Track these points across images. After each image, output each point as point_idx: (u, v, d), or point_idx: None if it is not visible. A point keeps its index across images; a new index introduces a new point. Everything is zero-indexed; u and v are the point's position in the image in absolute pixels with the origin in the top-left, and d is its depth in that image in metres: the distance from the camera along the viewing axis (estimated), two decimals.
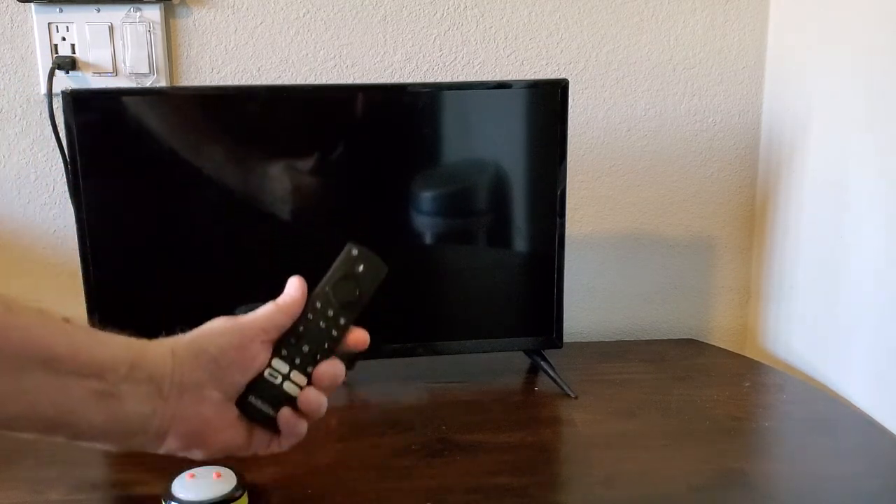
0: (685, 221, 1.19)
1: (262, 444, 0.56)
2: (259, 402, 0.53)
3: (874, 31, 0.92)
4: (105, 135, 0.89)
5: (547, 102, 0.94)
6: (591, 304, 1.20)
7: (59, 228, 1.10)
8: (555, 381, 0.98)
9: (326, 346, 0.55)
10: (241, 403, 0.53)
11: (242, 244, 0.94)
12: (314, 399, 0.54)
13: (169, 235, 0.92)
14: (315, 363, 0.55)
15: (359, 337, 0.58)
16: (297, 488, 0.76)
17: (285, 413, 0.54)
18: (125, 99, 0.90)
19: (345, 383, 0.99)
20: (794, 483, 0.79)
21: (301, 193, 0.93)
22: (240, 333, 0.53)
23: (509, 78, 1.10)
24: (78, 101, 0.87)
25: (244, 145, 0.92)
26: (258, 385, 0.53)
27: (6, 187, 1.09)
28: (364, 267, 0.57)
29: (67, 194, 1.05)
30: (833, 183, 1.01)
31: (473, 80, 1.10)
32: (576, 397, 0.96)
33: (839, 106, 1.00)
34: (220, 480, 0.71)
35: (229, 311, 0.91)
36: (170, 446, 0.52)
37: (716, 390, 0.98)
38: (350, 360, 0.97)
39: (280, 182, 0.93)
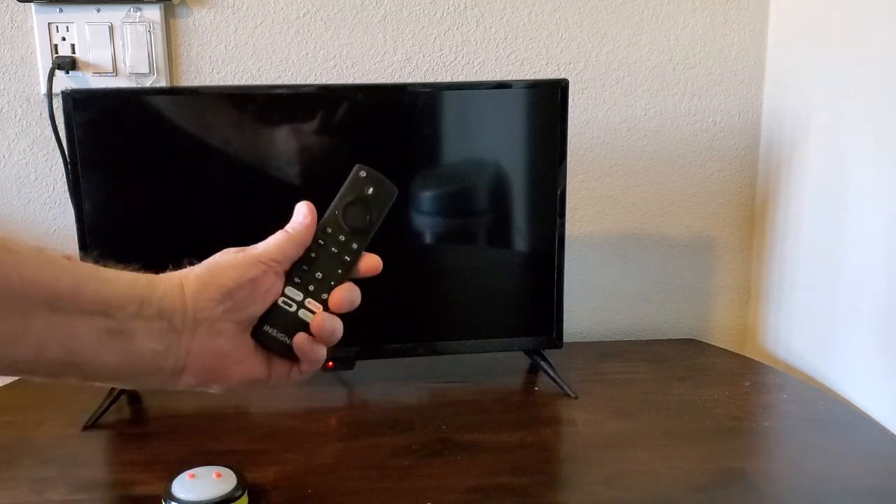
0: (685, 221, 1.19)
1: (282, 373, 0.54)
2: (274, 330, 0.52)
3: (874, 31, 0.92)
4: (105, 135, 0.89)
5: (547, 102, 0.94)
6: (591, 304, 1.20)
7: (59, 228, 1.10)
8: (555, 381, 0.98)
9: (339, 271, 0.54)
10: (257, 333, 0.52)
11: (243, 243, 0.94)
12: (328, 323, 0.53)
13: (169, 235, 0.92)
14: (329, 289, 0.54)
15: (371, 262, 0.56)
16: (297, 488, 0.76)
17: (300, 338, 0.52)
18: (125, 99, 0.90)
19: (345, 383, 1.00)
20: (793, 483, 0.79)
21: (302, 193, 0.93)
22: (252, 264, 0.52)
23: (509, 78, 1.10)
24: (78, 101, 0.87)
25: (244, 145, 0.92)
26: (272, 314, 0.52)
27: (6, 187, 1.09)
28: (373, 189, 0.56)
29: (67, 194, 1.05)
30: (833, 183, 1.01)
31: (473, 80, 1.10)
32: (576, 397, 0.96)
33: (839, 106, 1.00)
34: (219, 480, 0.71)
35: None
36: (187, 382, 0.50)
37: (716, 390, 0.98)
38: (350, 360, 0.97)
39: (281, 182, 0.93)
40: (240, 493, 0.71)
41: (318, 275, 0.54)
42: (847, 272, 0.99)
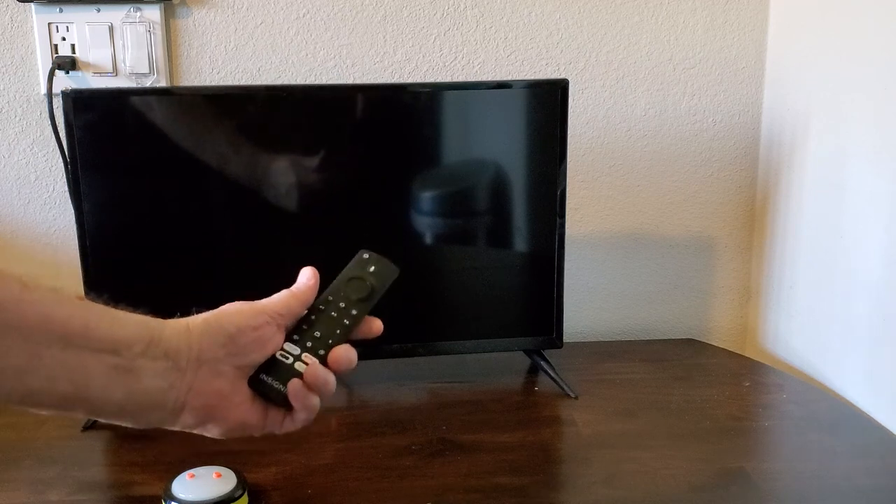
0: (685, 221, 1.19)
1: (277, 421, 0.57)
2: (270, 379, 0.55)
3: (874, 31, 0.92)
4: (105, 135, 0.89)
5: (547, 102, 0.94)
6: (591, 304, 1.20)
7: (59, 228, 1.10)
8: (555, 381, 0.98)
9: (338, 332, 0.57)
10: (254, 381, 0.55)
11: (243, 244, 0.94)
12: (321, 373, 0.55)
13: (169, 235, 0.92)
14: (327, 348, 0.56)
15: (372, 326, 0.60)
16: (297, 488, 0.76)
17: (295, 384, 0.55)
18: (125, 99, 0.90)
19: (345, 383, 1.00)
20: (793, 482, 0.79)
21: (301, 193, 0.93)
22: (256, 314, 0.55)
23: (509, 78, 1.10)
24: (78, 101, 0.87)
25: (244, 145, 0.92)
26: (270, 364, 0.55)
27: (6, 187, 1.09)
28: (375, 268, 0.60)
29: (67, 194, 1.05)
30: (833, 183, 1.01)
31: (473, 80, 1.10)
32: (576, 397, 0.96)
33: (839, 106, 1.00)
34: (220, 480, 0.71)
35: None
36: (186, 421, 0.53)
37: (716, 390, 0.98)
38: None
39: (280, 182, 0.93)
40: (240, 493, 0.71)
41: (317, 334, 0.57)
42: (847, 272, 0.99)
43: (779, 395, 0.98)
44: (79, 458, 0.83)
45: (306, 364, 0.55)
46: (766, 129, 1.16)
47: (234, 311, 0.55)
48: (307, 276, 0.59)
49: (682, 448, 0.84)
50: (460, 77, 1.11)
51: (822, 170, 1.04)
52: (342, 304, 0.58)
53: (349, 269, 0.60)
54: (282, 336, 0.56)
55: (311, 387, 0.55)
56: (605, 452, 0.83)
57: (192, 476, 0.72)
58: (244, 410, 0.55)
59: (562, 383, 0.97)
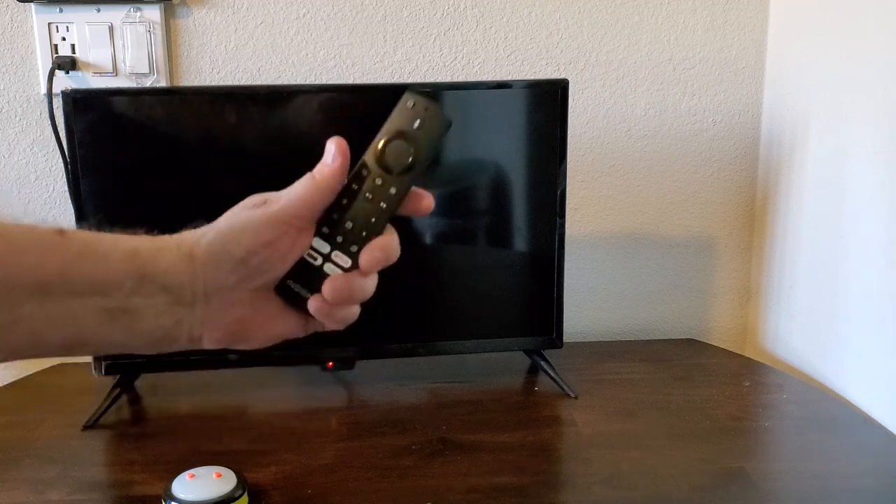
0: (685, 221, 1.19)
1: (317, 322, 0.49)
2: (297, 286, 0.47)
3: (874, 31, 0.92)
4: (105, 135, 0.89)
5: (547, 102, 0.94)
6: (591, 304, 1.20)
7: None
8: (555, 381, 0.98)
9: (374, 220, 0.47)
10: (281, 288, 0.47)
11: None
12: (344, 288, 0.47)
13: (168, 235, 0.92)
14: (361, 241, 0.47)
15: (422, 201, 0.49)
16: (297, 488, 0.76)
17: (316, 302, 0.47)
18: (125, 99, 0.90)
19: (345, 383, 1.00)
20: (794, 482, 0.78)
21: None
22: (269, 225, 0.47)
23: (509, 78, 1.10)
24: (78, 101, 0.87)
25: (244, 145, 0.92)
26: (297, 267, 0.47)
27: (6, 187, 1.09)
28: (420, 122, 0.48)
29: (67, 194, 1.05)
30: (833, 183, 1.01)
31: (473, 80, 1.10)
32: (576, 397, 0.96)
33: (839, 106, 1.00)
34: (219, 480, 0.71)
35: None
36: (210, 345, 0.47)
37: (716, 390, 0.98)
38: (350, 360, 0.97)
39: (280, 182, 0.93)
40: (240, 493, 0.71)
41: (349, 224, 0.47)
42: (847, 272, 0.99)
43: (779, 395, 0.98)
44: (79, 458, 0.83)
45: (337, 266, 0.47)
46: (766, 129, 1.16)
47: (241, 227, 0.47)
48: (332, 156, 0.48)
49: (682, 448, 0.84)
50: (460, 77, 1.11)
51: (822, 170, 1.04)
52: (378, 181, 0.47)
53: (390, 123, 0.48)
54: (309, 234, 0.47)
55: (332, 303, 0.47)
56: (605, 452, 0.83)
57: (192, 476, 0.72)
58: (275, 324, 0.48)
59: (562, 383, 0.97)
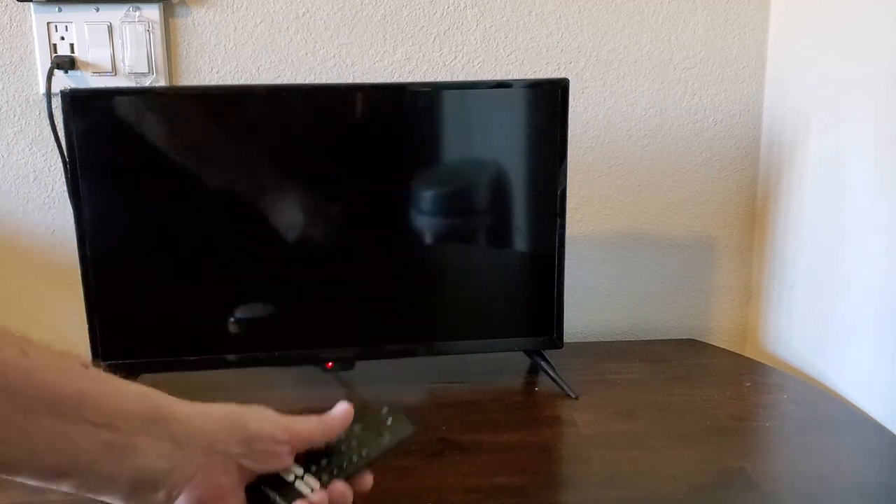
0: (685, 221, 1.19)
1: None
2: (273, 493, 0.53)
3: (874, 31, 0.92)
4: (104, 134, 0.89)
5: (547, 102, 0.94)
6: (591, 304, 1.20)
7: (58, 228, 1.10)
8: (555, 381, 0.98)
9: (345, 466, 0.57)
10: (253, 490, 0.53)
11: (242, 243, 0.94)
12: (326, 500, 0.54)
13: (168, 235, 0.92)
14: (330, 476, 0.56)
15: (365, 479, 0.58)
16: None
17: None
18: (124, 99, 0.90)
19: (345, 383, 1.00)
20: (794, 482, 0.78)
21: (301, 193, 0.93)
22: (282, 429, 0.53)
23: (509, 78, 1.10)
24: (77, 101, 0.87)
25: (243, 145, 0.92)
26: (274, 478, 0.54)
27: (5, 187, 1.08)
28: (392, 421, 0.60)
29: (66, 194, 1.05)
30: (833, 183, 1.01)
31: (473, 79, 1.10)
32: (576, 397, 0.96)
33: (839, 106, 1.00)
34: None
35: (228, 310, 0.92)
36: None
37: (716, 390, 0.98)
38: (350, 360, 0.97)
39: (280, 182, 0.93)
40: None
41: (324, 461, 0.56)
42: (847, 272, 0.99)
43: (779, 395, 0.98)
44: None
45: (308, 487, 0.54)
46: (767, 129, 1.16)
47: (260, 415, 0.53)
48: (341, 412, 0.57)
49: (682, 448, 0.84)
50: (460, 77, 1.11)
51: (823, 170, 1.03)
52: (354, 443, 0.58)
53: (368, 417, 0.60)
54: (291, 459, 0.54)
55: None
56: (605, 452, 0.83)
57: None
58: None
59: (562, 383, 0.97)
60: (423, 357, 1.00)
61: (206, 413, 0.51)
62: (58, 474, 0.46)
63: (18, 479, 0.47)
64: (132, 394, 0.49)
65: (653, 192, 1.17)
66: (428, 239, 0.96)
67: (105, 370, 0.49)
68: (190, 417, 0.50)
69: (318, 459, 0.56)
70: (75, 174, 0.88)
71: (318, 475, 0.55)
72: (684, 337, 1.21)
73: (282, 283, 0.94)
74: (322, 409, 0.98)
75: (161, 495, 0.49)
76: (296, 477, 0.54)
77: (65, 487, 0.48)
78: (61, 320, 1.12)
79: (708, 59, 1.13)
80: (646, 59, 1.13)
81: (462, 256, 0.98)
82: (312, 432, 0.55)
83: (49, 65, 1.02)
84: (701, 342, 1.18)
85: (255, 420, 0.53)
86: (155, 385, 0.58)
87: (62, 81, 1.03)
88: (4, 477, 0.46)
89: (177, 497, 0.49)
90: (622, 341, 1.18)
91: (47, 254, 1.10)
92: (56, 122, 1.00)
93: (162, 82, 1.06)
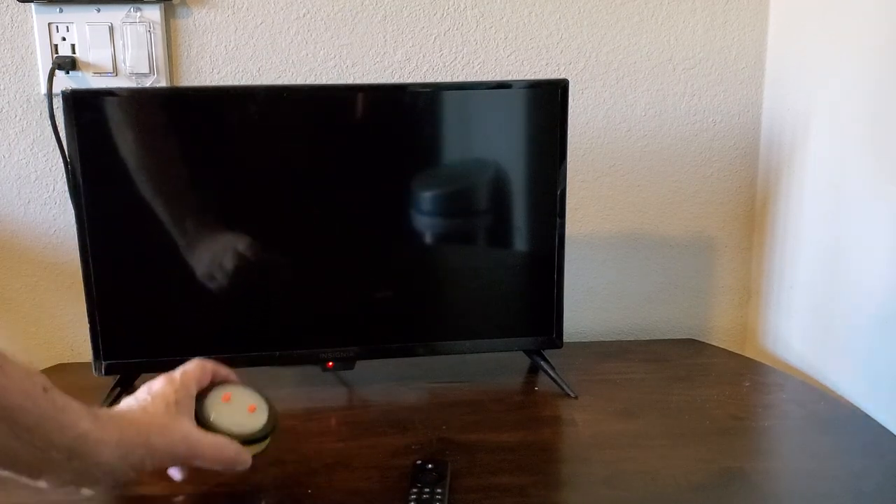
0: (685, 221, 1.19)
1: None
2: None
3: (874, 31, 0.92)
4: (105, 135, 0.89)
5: (547, 102, 0.94)
6: (591, 304, 1.20)
7: (59, 228, 1.10)
8: (555, 381, 0.98)
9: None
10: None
11: (243, 241, 0.94)
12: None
13: (168, 235, 0.92)
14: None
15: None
16: (297, 488, 0.76)
17: None
18: (125, 99, 0.90)
19: (345, 383, 1.00)
20: (793, 482, 0.79)
21: (301, 193, 0.93)
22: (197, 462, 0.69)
23: (509, 78, 1.10)
24: (78, 102, 0.87)
25: (244, 145, 0.92)
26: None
27: (6, 187, 1.09)
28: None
29: (67, 194, 1.06)
30: (833, 183, 1.01)
31: (473, 80, 1.10)
32: (576, 397, 0.96)
33: (839, 106, 1.00)
34: (252, 415, 0.74)
35: (228, 310, 0.92)
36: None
37: (716, 390, 0.98)
38: (350, 360, 0.97)
39: (280, 182, 0.93)
40: (263, 434, 0.73)
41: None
42: (847, 272, 0.99)
43: (779, 395, 0.98)
44: None
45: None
46: (766, 129, 1.16)
47: (177, 455, 0.67)
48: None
49: (682, 448, 0.84)
50: (460, 77, 1.11)
51: (822, 170, 1.04)
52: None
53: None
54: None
55: None
56: (605, 452, 0.83)
57: (228, 398, 0.73)
58: None
59: (562, 383, 0.97)
60: (423, 357, 1.00)
61: (124, 456, 0.60)
62: (32, 473, 0.57)
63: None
64: (69, 434, 0.56)
65: (652, 192, 1.17)
66: (428, 239, 0.97)
67: (59, 395, 0.56)
68: (109, 462, 0.59)
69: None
70: (76, 174, 0.88)
71: None
72: (684, 337, 1.22)
73: (282, 283, 0.94)
74: (322, 409, 0.98)
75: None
76: None
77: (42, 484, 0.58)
78: (62, 320, 1.12)
79: (707, 59, 1.14)
80: (645, 60, 1.13)
81: (462, 256, 0.98)
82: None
83: (50, 65, 1.03)
84: (701, 342, 1.18)
85: (169, 459, 0.67)
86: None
87: (63, 82, 1.04)
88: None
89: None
90: (622, 341, 1.18)
91: (48, 254, 1.11)
92: (57, 123, 1.00)
93: (163, 83, 1.06)
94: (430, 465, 0.76)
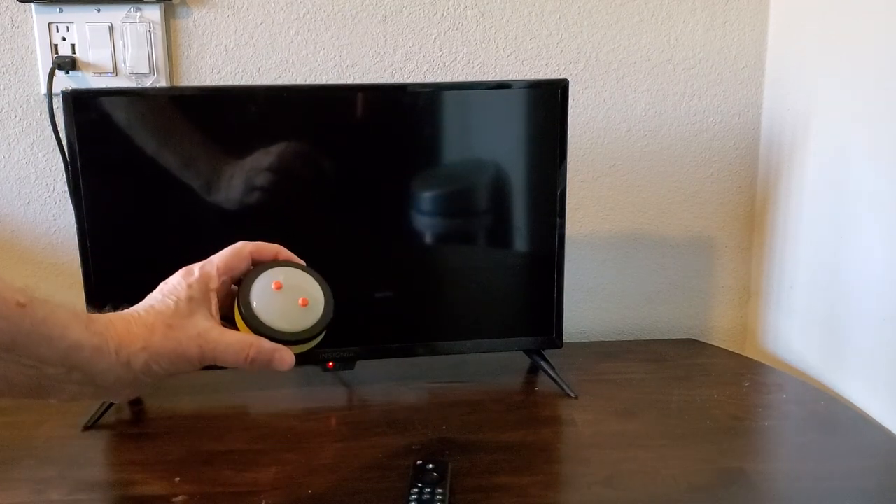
0: (685, 221, 1.19)
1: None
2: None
3: (874, 31, 0.92)
4: (105, 135, 0.89)
5: (547, 102, 0.94)
6: (591, 304, 1.20)
7: (59, 228, 1.10)
8: (555, 381, 0.98)
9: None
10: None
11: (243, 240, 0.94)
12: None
13: (169, 235, 0.92)
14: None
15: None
16: (297, 488, 0.76)
17: None
18: (125, 99, 0.90)
19: (345, 383, 1.00)
20: (793, 482, 0.79)
21: (301, 193, 0.93)
22: (202, 364, 0.61)
23: (509, 78, 1.10)
24: (78, 101, 0.87)
25: (244, 145, 0.92)
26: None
27: (6, 187, 1.09)
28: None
29: (67, 194, 1.06)
30: (833, 183, 1.01)
31: (473, 80, 1.10)
32: (576, 397, 0.96)
33: (839, 106, 1.00)
34: (304, 310, 0.64)
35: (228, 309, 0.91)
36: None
37: (716, 390, 0.98)
38: (350, 360, 0.97)
39: (280, 181, 0.93)
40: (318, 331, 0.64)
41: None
42: (847, 272, 0.99)
43: (779, 395, 0.98)
44: (79, 458, 0.83)
45: None
46: (766, 129, 1.16)
47: (178, 358, 0.59)
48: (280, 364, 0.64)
49: (682, 448, 0.84)
50: (460, 77, 1.11)
51: (822, 170, 1.04)
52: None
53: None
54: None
55: None
56: (605, 452, 0.83)
57: (279, 286, 0.63)
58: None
59: (562, 383, 0.97)
60: (423, 357, 1.00)
61: (126, 364, 0.56)
62: (30, 395, 0.54)
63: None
64: (60, 345, 0.52)
65: (652, 193, 1.17)
66: (428, 239, 0.97)
67: (41, 307, 0.52)
68: (108, 371, 0.55)
69: None
70: (76, 174, 0.88)
71: None
72: (684, 337, 1.22)
73: None
74: (322, 409, 0.98)
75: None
76: None
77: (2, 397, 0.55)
78: None
79: (707, 59, 1.14)
80: (645, 60, 1.13)
81: (462, 256, 0.98)
82: (234, 361, 0.60)
83: (50, 65, 1.03)
84: (700, 342, 1.18)
85: (169, 363, 0.58)
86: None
87: (63, 82, 1.04)
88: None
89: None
90: (622, 341, 1.18)
91: (48, 254, 1.11)
92: (57, 123, 1.00)
93: (163, 83, 1.06)
94: (430, 466, 0.76)
